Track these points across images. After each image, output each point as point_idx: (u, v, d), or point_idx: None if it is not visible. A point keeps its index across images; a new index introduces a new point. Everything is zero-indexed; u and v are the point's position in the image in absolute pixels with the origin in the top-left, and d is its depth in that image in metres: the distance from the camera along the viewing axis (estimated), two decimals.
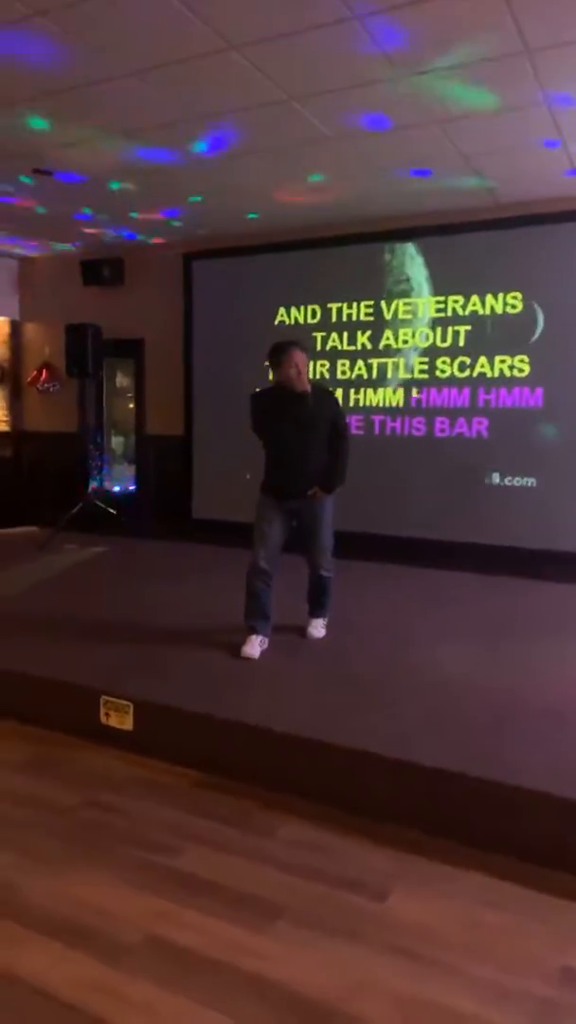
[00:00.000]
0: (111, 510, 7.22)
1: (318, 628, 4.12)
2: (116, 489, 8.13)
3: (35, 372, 8.31)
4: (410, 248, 6.33)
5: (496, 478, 6.11)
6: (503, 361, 6.04)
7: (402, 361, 6.44)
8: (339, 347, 6.66)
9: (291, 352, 3.68)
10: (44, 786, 2.86)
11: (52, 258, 8.04)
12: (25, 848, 2.44)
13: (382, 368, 6.53)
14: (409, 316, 6.38)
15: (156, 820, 2.62)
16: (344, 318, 6.63)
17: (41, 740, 3.25)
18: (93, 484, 7.69)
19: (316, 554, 3.98)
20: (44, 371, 8.24)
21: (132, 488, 8.01)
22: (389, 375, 6.50)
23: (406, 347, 6.42)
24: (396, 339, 6.45)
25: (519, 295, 5.93)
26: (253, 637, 3.80)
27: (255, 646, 3.77)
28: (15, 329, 8.43)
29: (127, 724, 3.13)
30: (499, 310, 6.02)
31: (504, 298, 5.99)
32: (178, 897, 2.20)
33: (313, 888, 2.27)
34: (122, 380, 8.18)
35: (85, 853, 2.42)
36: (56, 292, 8.05)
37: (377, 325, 6.51)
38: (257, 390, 4.00)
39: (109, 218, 6.52)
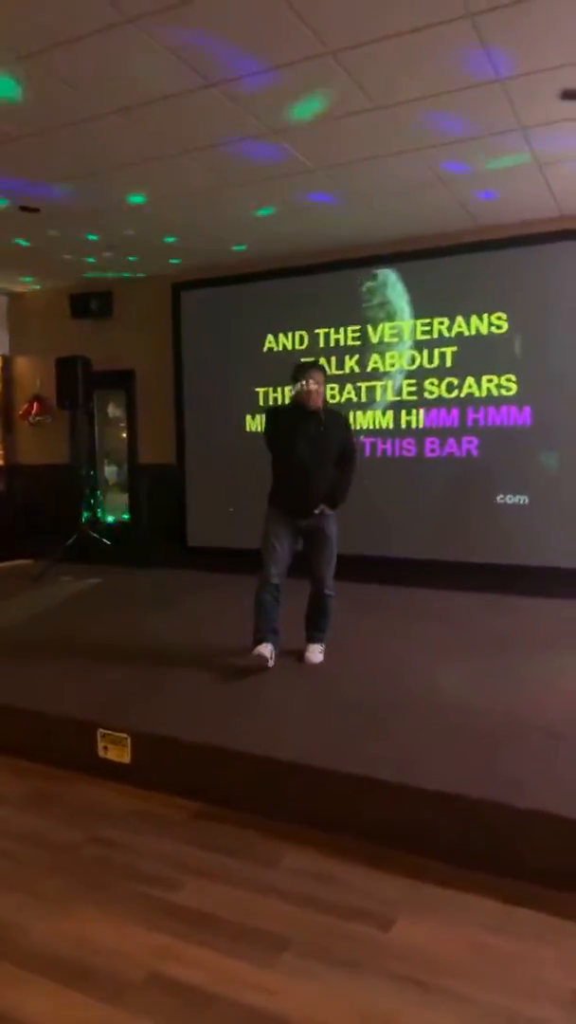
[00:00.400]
0: (105, 540, 7.21)
1: (316, 653, 4.10)
2: (110, 519, 8.13)
3: (26, 405, 8.34)
4: (394, 272, 6.41)
5: (488, 496, 6.14)
6: (490, 380, 6.10)
7: (390, 383, 6.50)
8: (327, 371, 6.70)
9: (309, 371, 3.91)
10: (43, 822, 2.82)
11: (40, 292, 8.12)
12: (26, 886, 2.41)
13: (371, 391, 6.58)
14: (395, 339, 6.45)
15: (157, 853, 2.59)
16: (331, 343, 6.69)
17: (39, 775, 3.22)
18: (87, 515, 7.69)
19: (320, 571, 4.01)
20: (35, 404, 8.27)
21: (126, 517, 8.01)
22: (378, 398, 6.55)
23: (393, 370, 6.48)
24: (383, 362, 6.51)
25: (504, 315, 6.01)
26: (264, 645, 3.89)
27: (267, 650, 3.87)
28: (6, 363, 8.48)
29: (125, 757, 3.11)
30: (484, 331, 6.10)
31: (489, 318, 6.07)
32: (180, 932, 2.16)
33: (317, 918, 2.24)
34: (114, 411, 8.21)
35: (86, 890, 2.39)
36: (45, 326, 8.12)
37: (364, 349, 6.57)
38: (273, 405, 4.10)
39: (95, 257, 6.60)
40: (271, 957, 2.06)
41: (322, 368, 4.08)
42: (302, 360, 4.04)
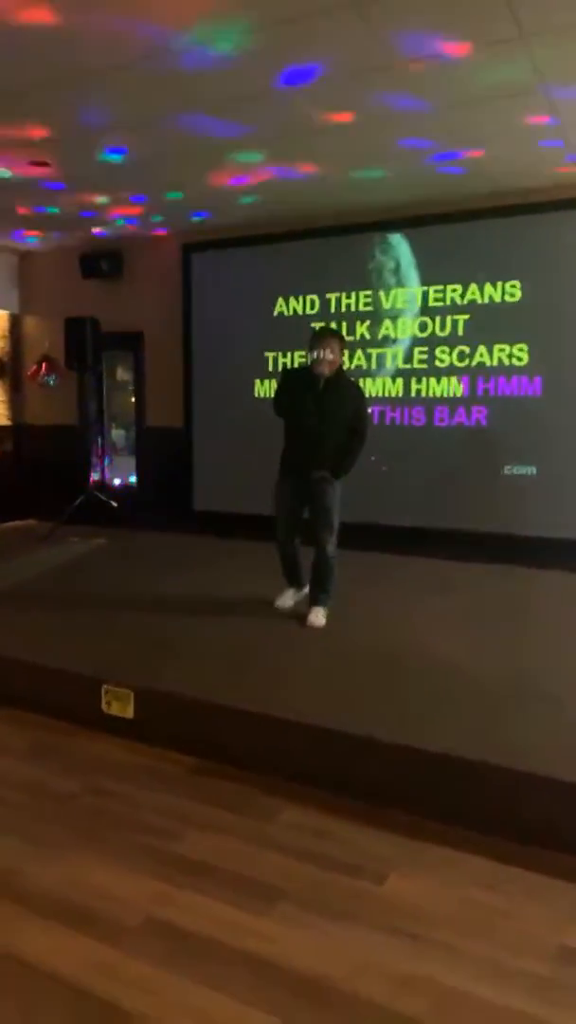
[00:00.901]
0: (112, 502, 7.23)
1: (318, 616, 4.14)
2: (117, 481, 8.14)
3: (35, 366, 8.31)
4: (407, 238, 6.31)
5: (496, 467, 6.11)
6: (502, 350, 6.03)
7: (401, 351, 6.43)
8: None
9: (326, 339, 3.97)
10: (45, 773, 2.88)
11: (51, 251, 8.03)
12: (27, 833, 2.46)
13: (381, 358, 6.52)
14: (407, 306, 6.37)
15: (157, 806, 2.64)
16: (343, 308, 6.62)
17: (43, 727, 3.27)
18: (94, 477, 7.70)
19: (321, 532, 4.11)
20: (44, 364, 8.23)
21: (133, 480, 8.02)
22: (388, 365, 6.50)
23: (405, 337, 6.41)
24: (395, 329, 6.44)
25: (518, 284, 5.92)
26: (287, 590, 4.37)
27: (288, 598, 4.36)
28: (14, 323, 8.43)
29: (128, 712, 3.15)
30: (497, 299, 6.01)
31: (503, 287, 5.98)
32: (178, 880, 2.22)
33: (313, 872, 2.28)
34: (122, 373, 8.18)
35: (86, 838, 2.44)
36: (55, 285, 8.05)
37: (376, 315, 6.50)
38: (289, 368, 4.15)
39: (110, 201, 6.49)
40: (267, 906, 2.11)
41: (339, 336, 4.12)
42: (320, 327, 4.10)
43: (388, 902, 2.15)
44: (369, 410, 6.33)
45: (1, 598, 4.73)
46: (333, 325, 6.61)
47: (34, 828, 2.50)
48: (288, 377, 4.16)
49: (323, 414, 3.96)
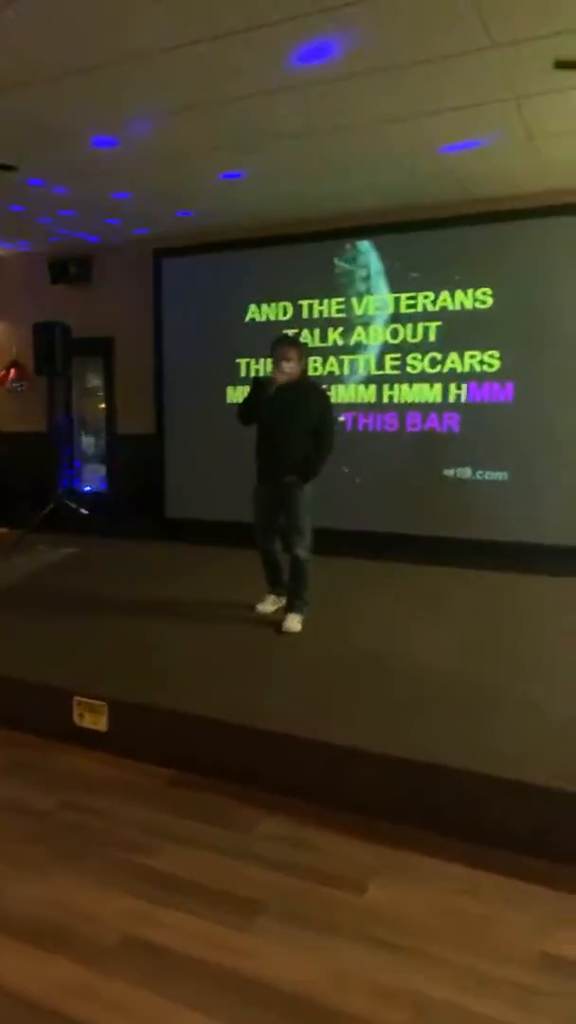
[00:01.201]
0: (83, 510, 7.14)
1: (293, 622, 4.12)
2: (88, 489, 8.04)
3: (3, 371, 8.18)
4: (380, 245, 6.35)
5: (467, 472, 6.16)
6: (473, 356, 6.09)
7: (373, 357, 6.46)
8: (310, 344, 6.65)
9: (282, 347, 4.06)
10: (19, 790, 2.81)
11: (19, 256, 7.93)
12: (5, 853, 2.40)
13: (354, 364, 6.54)
14: (380, 312, 6.40)
15: (133, 820, 2.59)
16: (315, 315, 6.63)
17: (13, 743, 3.20)
18: (64, 484, 7.60)
19: (290, 536, 4.16)
20: (12, 370, 8.12)
21: (104, 487, 7.93)
22: (360, 371, 6.52)
23: (377, 343, 6.44)
24: (367, 335, 6.47)
25: (489, 291, 5.98)
26: (267, 596, 4.45)
27: (268, 603, 4.43)
28: None
29: (101, 725, 3.10)
30: (469, 306, 6.07)
31: (474, 294, 6.04)
32: (156, 897, 2.17)
33: (293, 883, 2.26)
34: (92, 379, 8.09)
35: (62, 856, 2.39)
36: (24, 291, 7.94)
37: (348, 322, 6.52)
38: (259, 375, 4.21)
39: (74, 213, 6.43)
40: (247, 921, 2.08)
41: (295, 342, 4.20)
42: (279, 336, 4.16)
43: (369, 912, 2.14)
44: (340, 417, 6.46)
45: None
46: (305, 331, 6.63)
47: (9, 847, 2.44)
48: (253, 385, 4.21)
49: (285, 420, 4.03)
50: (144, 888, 2.21)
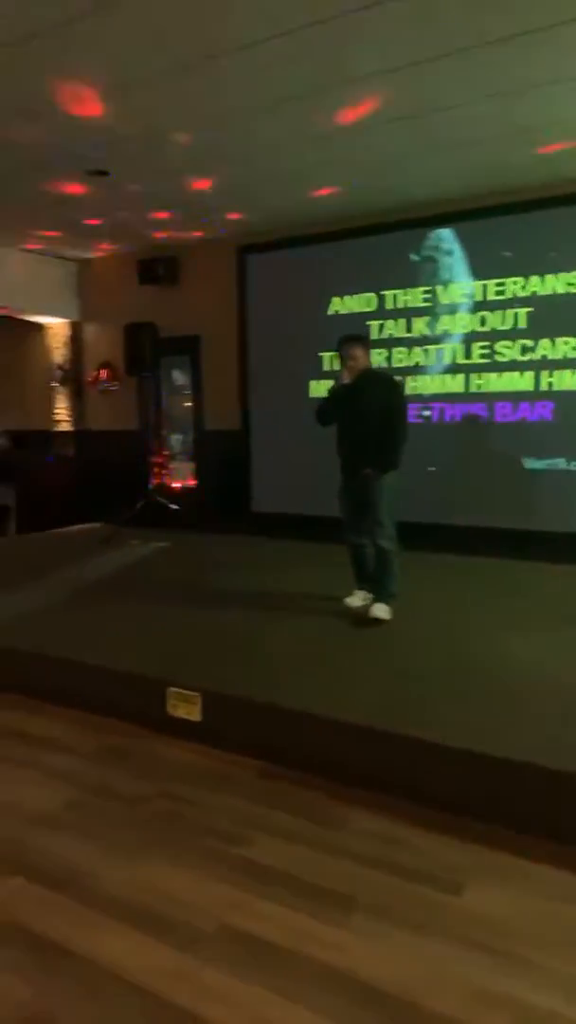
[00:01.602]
0: (172, 505, 7.31)
1: (381, 610, 4.18)
2: (176, 485, 8.23)
3: (95, 372, 8.47)
4: (464, 231, 6.19)
5: (561, 463, 5.94)
6: (567, 343, 5.85)
7: (460, 346, 6.31)
8: (395, 335, 6.57)
9: (343, 346, 4.20)
10: (115, 776, 2.91)
11: (109, 259, 8.18)
12: (100, 836, 2.49)
13: (440, 354, 6.41)
14: (466, 300, 6.25)
15: (226, 810, 2.63)
16: (400, 305, 6.53)
17: (110, 730, 3.31)
18: (154, 480, 7.80)
19: (371, 527, 4.20)
20: (104, 371, 8.39)
21: (192, 483, 8.09)
22: (447, 360, 6.38)
23: (464, 332, 6.28)
24: (454, 324, 6.32)
25: None
26: (356, 591, 4.41)
27: (356, 598, 4.39)
28: (75, 330, 8.61)
29: (194, 715, 3.16)
30: (561, 290, 5.83)
31: (567, 278, 5.80)
32: (251, 887, 2.20)
33: (386, 880, 2.24)
34: (179, 377, 8.26)
35: (158, 842, 2.45)
36: (114, 292, 8.19)
37: (434, 310, 6.39)
38: (334, 387, 4.37)
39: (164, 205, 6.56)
40: (340, 915, 2.08)
41: (359, 338, 4.29)
42: (344, 334, 4.26)
43: (465, 914, 2.09)
44: (427, 411, 6.34)
45: (65, 601, 4.83)
46: (390, 322, 6.55)
47: (106, 831, 2.52)
48: (331, 391, 4.38)
49: (359, 414, 4.12)
50: (239, 878, 2.25)
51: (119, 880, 2.24)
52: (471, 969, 1.88)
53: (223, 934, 2.01)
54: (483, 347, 6.20)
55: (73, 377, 8.63)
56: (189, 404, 8.10)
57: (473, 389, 6.28)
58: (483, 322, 6.18)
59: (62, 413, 8.73)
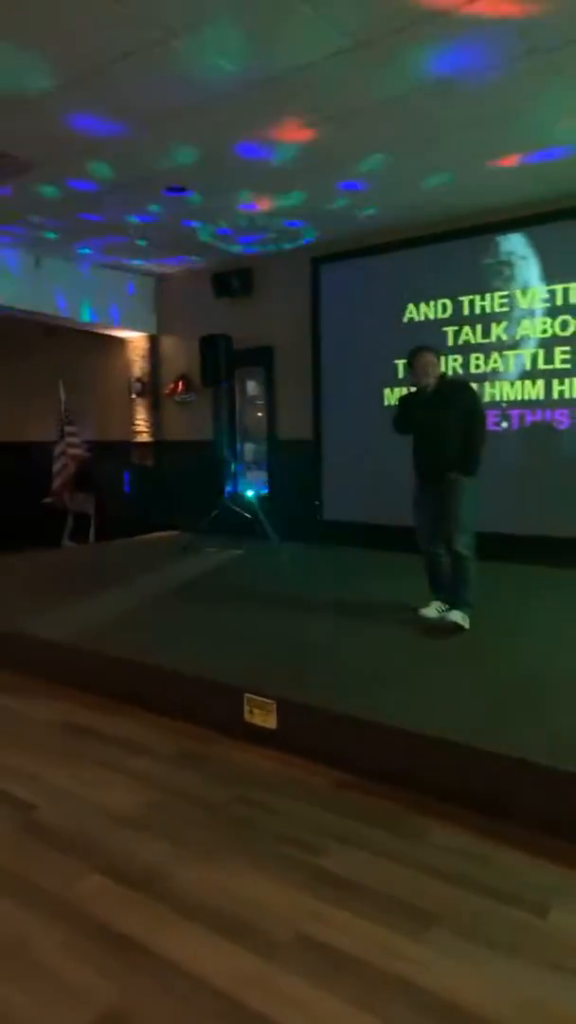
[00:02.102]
0: (246, 514, 7.38)
1: (459, 616, 4.13)
2: (250, 494, 8.31)
3: (172, 384, 8.66)
4: (540, 234, 6.03)
5: None
6: None
7: (541, 351, 6.14)
8: (472, 340, 6.45)
9: (415, 356, 4.25)
10: (192, 779, 2.93)
11: (185, 273, 8.36)
12: (178, 838, 2.51)
13: (519, 359, 6.26)
14: (546, 304, 6.08)
15: (302, 818, 2.62)
16: (476, 310, 6.42)
17: (186, 734, 3.34)
18: (228, 489, 7.90)
19: (452, 531, 4.13)
20: (181, 382, 8.57)
21: (264, 492, 8.15)
22: (527, 366, 6.22)
23: (545, 336, 6.11)
24: (533, 328, 6.16)
25: None
26: (432, 602, 4.37)
27: (432, 609, 4.34)
28: (153, 344, 8.83)
29: (270, 722, 3.16)
30: None
31: None
32: (328, 896, 2.17)
33: (468, 897, 2.17)
34: (253, 387, 8.35)
35: (236, 847, 2.45)
36: (189, 306, 8.36)
37: (511, 315, 6.25)
38: (404, 392, 4.48)
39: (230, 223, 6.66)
40: (420, 930, 2.02)
41: (431, 348, 4.33)
42: (415, 346, 4.33)
43: (553, 937, 2.01)
44: (504, 423, 6.19)
45: (144, 607, 4.93)
46: (466, 328, 6.45)
47: (185, 833, 2.54)
48: (403, 399, 4.45)
49: (439, 420, 4.13)
50: (316, 887, 2.22)
51: (197, 883, 2.26)
52: (563, 996, 1.80)
53: (300, 942, 1.99)
54: (564, 352, 6.01)
55: (151, 389, 8.84)
56: (262, 414, 8.18)
57: (555, 395, 6.09)
58: (564, 326, 6.00)
59: (140, 424, 8.96)
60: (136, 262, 7.92)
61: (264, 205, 6.01)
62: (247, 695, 3.23)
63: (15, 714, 3.66)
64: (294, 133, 4.59)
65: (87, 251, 7.40)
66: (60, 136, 4.56)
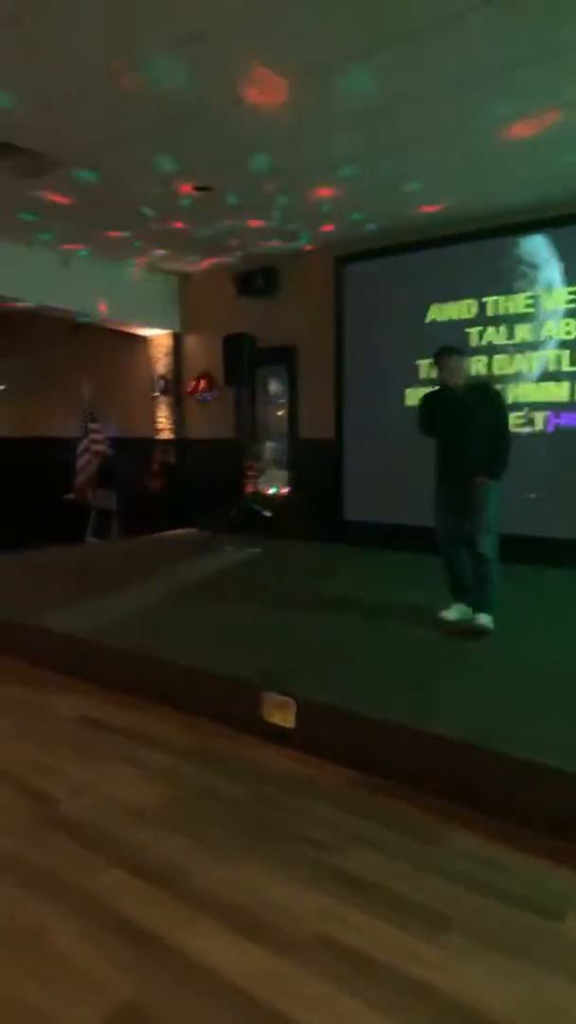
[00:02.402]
0: (265, 512, 7.40)
1: (485, 619, 4.11)
2: (270, 492, 8.33)
3: (195, 382, 8.70)
4: (571, 234, 5.97)
5: None
6: None
7: (567, 353, 6.09)
8: (496, 342, 6.41)
9: (441, 357, 4.23)
10: (211, 776, 2.95)
11: (209, 272, 8.39)
12: (196, 833, 2.53)
13: (543, 361, 6.21)
14: (572, 306, 6.02)
15: (319, 818, 2.63)
16: (501, 311, 6.38)
17: (206, 731, 3.37)
18: (248, 488, 7.92)
19: (476, 532, 4.11)
20: (203, 381, 8.61)
21: (285, 491, 8.17)
22: (551, 368, 6.17)
23: (571, 338, 6.06)
24: (559, 330, 6.11)
25: None
26: (452, 605, 4.34)
27: (452, 611, 4.32)
28: (176, 342, 8.87)
29: (288, 721, 3.18)
30: None
31: None
32: (346, 897, 2.18)
33: (483, 902, 2.17)
34: (275, 386, 8.37)
35: (253, 845, 2.47)
36: (213, 304, 8.39)
37: (538, 316, 6.20)
38: (426, 392, 4.42)
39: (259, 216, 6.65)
40: (437, 933, 2.03)
41: (458, 349, 4.32)
42: (440, 347, 4.28)
43: (571, 942, 2.00)
44: (536, 427, 6.15)
45: (164, 604, 4.96)
46: (491, 329, 6.41)
47: (203, 830, 2.56)
48: (427, 398, 4.37)
49: (464, 421, 4.11)
50: (334, 887, 2.23)
51: (216, 879, 2.28)
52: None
53: (318, 942, 2.00)
54: None
55: (174, 388, 8.89)
56: (283, 413, 8.19)
57: None
58: None
59: (162, 421, 9.01)
60: (162, 261, 7.96)
61: (289, 206, 6.01)
62: (265, 693, 3.25)
63: (36, 707, 3.71)
64: None
65: (112, 249, 7.45)
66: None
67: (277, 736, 3.21)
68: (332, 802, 2.74)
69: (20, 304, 7.61)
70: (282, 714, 3.17)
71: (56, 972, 1.90)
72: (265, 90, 3.96)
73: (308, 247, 7.36)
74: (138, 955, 1.95)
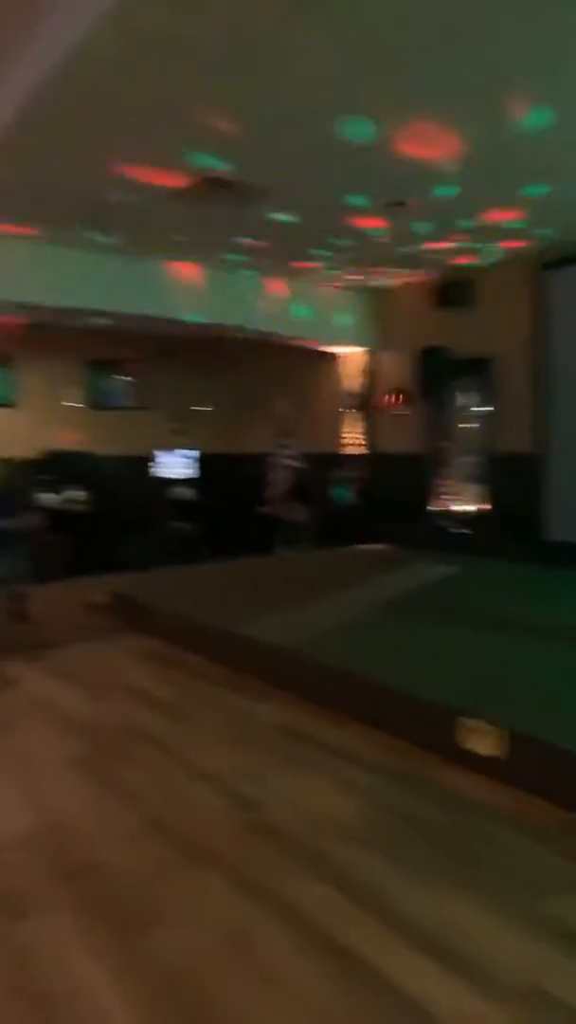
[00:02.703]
0: (460, 529, 7.20)
1: None
2: (465, 509, 8.10)
3: (388, 396, 8.70)
4: None
5: None
6: None
7: None
8: None
9: None
10: (409, 799, 2.90)
11: (404, 287, 8.37)
12: (396, 857, 2.49)
13: None
14: None
15: (527, 857, 2.49)
16: None
17: (404, 752, 3.30)
18: (442, 503, 7.77)
19: None
20: (396, 395, 8.59)
21: (480, 508, 7.91)
22: None
23: None
24: None
25: None
26: None
27: None
28: (371, 357, 8.94)
29: (489, 749, 3.04)
30: None
31: None
32: (563, 949, 2.04)
33: None
34: (470, 399, 8.15)
35: (455, 875, 2.39)
36: (408, 319, 8.36)
37: None
38: None
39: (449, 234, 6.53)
40: None
41: None
42: None
43: None
44: None
45: (359, 619, 4.98)
46: None
47: (403, 853, 2.52)
48: None
49: None
50: (547, 935, 2.09)
51: (421, 908, 2.22)
52: None
53: (528, 992, 1.89)
54: None
55: (368, 403, 8.95)
56: (478, 426, 7.94)
57: None
58: None
59: (353, 437, 9.10)
60: (356, 280, 8.07)
61: (487, 214, 5.85)
62: (465, 719, 3.14)
63: (239, 712, 3.87)
64: None
65: (310, 270, 7.68)
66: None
67: (479, 764, 3.09)
68: (540, 841, 2.58)
69: (226, 328, 8.08)
70: (484, 742, 3.05)
71: (264, 978, 1.95)
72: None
73: (505, 257, 7.09)
74: (349, 977, 1.95)
